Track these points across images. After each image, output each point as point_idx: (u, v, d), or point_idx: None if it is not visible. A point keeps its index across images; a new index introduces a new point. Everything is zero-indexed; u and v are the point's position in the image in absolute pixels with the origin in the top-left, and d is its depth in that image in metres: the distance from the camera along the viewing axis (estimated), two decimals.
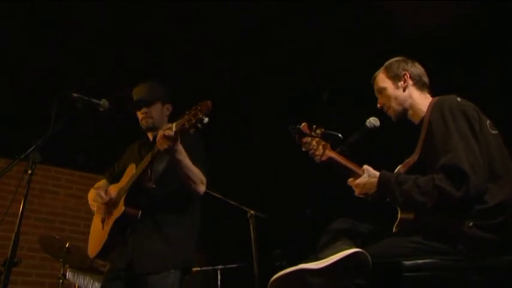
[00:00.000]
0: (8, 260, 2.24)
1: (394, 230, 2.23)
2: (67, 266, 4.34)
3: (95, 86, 2.79)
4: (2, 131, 5.44)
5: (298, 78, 4.83)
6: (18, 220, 2.31)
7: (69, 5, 3.85)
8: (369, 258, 1.85)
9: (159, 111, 2.91)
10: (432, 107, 2.14)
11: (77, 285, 4.44)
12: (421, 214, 2.07)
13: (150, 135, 2.98)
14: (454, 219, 1.92)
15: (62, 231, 5.95)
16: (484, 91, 3.79)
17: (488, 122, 2.12)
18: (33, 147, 2.46)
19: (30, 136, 2.55)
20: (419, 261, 1.88)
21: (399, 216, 2.22)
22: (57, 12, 3.93)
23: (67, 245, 4.14)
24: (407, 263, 1.87)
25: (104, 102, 2.78)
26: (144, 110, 2.89)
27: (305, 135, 2.42)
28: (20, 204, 2.38)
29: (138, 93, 2.95)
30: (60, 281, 4.33)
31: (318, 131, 2.41)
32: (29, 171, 2.41)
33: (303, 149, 2.43)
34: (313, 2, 3.84)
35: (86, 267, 4.21)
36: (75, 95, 2.70)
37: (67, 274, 4.35)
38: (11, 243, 2.26)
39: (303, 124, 2.45)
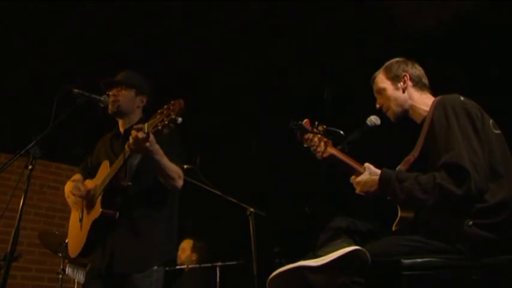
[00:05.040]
0: (8, 255, 2.24)
1: (393, 228, 2.23)
2: (66, 261, 4.36)
3: (95, 85, 2.79)
4: (3, 126, 5.44)
5: (297, 78, 4.83)
6: (18, 215, 2.32)
7: (69, 5, 3.84)
8: (368, 256, 1.85)
9: (129, 98, 2.84)
10: (435, 106, 2.13)
11: (76, 280, 4.46)
12: (422, 212, 2.07)
13: (121, 126, 2.90)
14: (454, 218, 1.92)
15: (61, 227, 5.95)
16: (485, 91, 3.78)
17: (491, 121, 2.11)
18: (33, 142, 2.46)
19: (31, 131, 2.54)
20: (419, 259, 1.88)
21: (399, 214, 2.21)
22: (57, 12, 3.92)
23: (66, 241, 4.14)
24: (406, 261, 1.87)
25: (104, 98, 2.78)
26: (114, 91, 2.82)
27: (307, 131, 2.41)
28: (20, 199, 2.38)
29: (117, 76, 2.91)
30: (60, 276, 4.35)
31: (320, 128, 2.40)
32: (29, 167, 2.41)
33: (305, 146, 2.42)
34: (313, 2, 3.83)
35: (85, 263, 4.22)
36: (76, 90, 2.69)
37: (66, 269, 4.37)
38: (11, 238, 2.26)
39: (305, 120, 2.43)
